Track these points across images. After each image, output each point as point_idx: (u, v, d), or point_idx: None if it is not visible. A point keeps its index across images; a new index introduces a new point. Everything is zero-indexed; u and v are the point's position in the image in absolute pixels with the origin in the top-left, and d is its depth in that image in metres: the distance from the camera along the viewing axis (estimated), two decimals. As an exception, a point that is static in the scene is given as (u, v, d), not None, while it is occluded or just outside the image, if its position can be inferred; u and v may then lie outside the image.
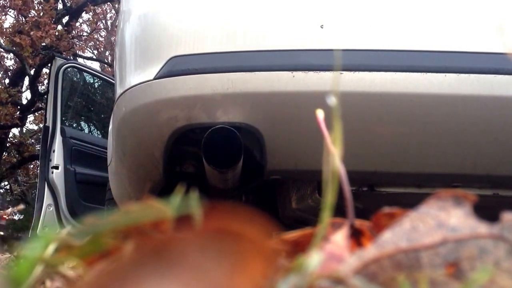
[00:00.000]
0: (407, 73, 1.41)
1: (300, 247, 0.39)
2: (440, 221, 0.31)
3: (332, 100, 0.41)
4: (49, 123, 4.29)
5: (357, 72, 1.40)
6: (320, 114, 0.42)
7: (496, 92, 1.40)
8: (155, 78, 1.48)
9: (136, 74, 1.54)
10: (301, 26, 1.46)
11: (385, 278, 0.30)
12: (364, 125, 1.44)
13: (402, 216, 0.32)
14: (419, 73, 1.40)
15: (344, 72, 1.40)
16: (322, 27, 1.45)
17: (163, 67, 1.48)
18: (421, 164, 1.50)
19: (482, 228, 0.30)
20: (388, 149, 1.48)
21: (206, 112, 1.45)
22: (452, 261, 0.29)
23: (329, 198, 0.33)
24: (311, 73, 1.41)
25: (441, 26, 1.47)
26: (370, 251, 0.30)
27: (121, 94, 1.59)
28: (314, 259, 0.29)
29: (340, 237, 0.33)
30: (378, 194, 1.66)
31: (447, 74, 1.40)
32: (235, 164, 1.43)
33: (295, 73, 1.42)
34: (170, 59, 1.48)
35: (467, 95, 1.40)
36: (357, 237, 0.38)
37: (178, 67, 1.47)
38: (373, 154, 1.49)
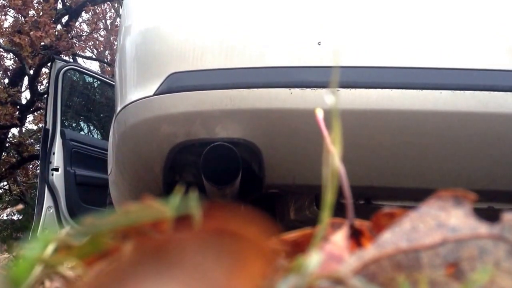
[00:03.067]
0: (403, 90, 1.43)
1: (299, 248, 0.39)
2: (440, 221, 0.31)
3: (330, 99, 0.41)
4: (49, 125, 4.29)
5: (353, 89, 1.43)
6: (319, 113, 0.42)
7: (490, 109, 1.42)
8: (155, 94, 1.51)
9: (136, 90, 1.56)
10: (298, 43, 1.49)
11: (385, 279, 0.30)
12: (360, 141, 1.46)
13: (402, 216, 0.32)
14: (415, 90, 1.43)
15: (341, 89, 1.42)
16: (319, 44, 1.47)
17: (162, 83, 1.50)
18: (417, 179, 1.53)
19: (482, 228, 0.30)
20: (385, 164, 1.51)
21: (205, 128, 1.48)
22: (452, 262, 0.29)
23: (329, 198, 0.33)
24: (308, 90, 1.43)
25: (436, 43, 1.49)
26: (370, 251, 0.30)
27: (121, 109, 1.62)
28: (313, 260, 0.29)
29: (339, 238, 0.33)
30: (375, 208, 1.68)
31: (442, 91, 1.42)
32: (233, 180, 1.46)
33: (292, 90, 1.44)
34: (170, 75, 1.50)
35: (462, 111, 1.43)
36: (356, 238, 0.38)
37: (177, 83, 1.49)
38: (370, 169, 1.51)
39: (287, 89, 1.44)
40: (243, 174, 1.47)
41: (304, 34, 1.49)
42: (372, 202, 1.68)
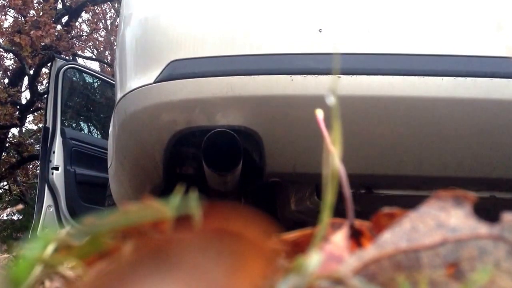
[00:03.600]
0: (404, 77, 1.42)
1: (299, 248, 0.39)
2: (440, 222, 0.31)
3: (331, 100, 0.41)
4: (49, 124, 4.29)
5: (355, 76, 1.42)
6: (319, 114, 0.42)
7: (492, 95, 1.42)
8: (155, 82, 1.50)
9: (136, 78, 1.55)
10: (299, 30, 1.48)
11: (385, 279, 0.30)
12: (361, 128, 1.46)
13: (402, 217, 0.32)
14: (416, 77, 1.42)
15: (342, 76, 1.41)
16: (320, 31, 1.46)
17: (163, 71, 1.50)
18: (418, 167, 1.51)
19: (482, 228, 0.30)
20: (386, 152, 1.50)
21: (206, 116, 1.47)
22: (452, 262, 0.29)
23: (328, 198, 0.33)
24: (309, 76, 1.42)
25: (438, 30, 1.48)
26: (370, 251, 0.30)
27: (121, 98, 1.61)
28: (313, 260, 0.29)
29: (339, 238, 0.33)
30: (376, 196, 1.67)
31: (444, 78, 1.41)
32: (234, 167, 1.44)
33: (293, 76, 1.43)
34: (170, 63, 1.50)
35: (464, 98, 1.42)
36: (356, 238, 0.38)
37: (178, 70, 1.49)
38: (371, 157, 1.50)
39: (287, 76, 1.43)
40: (244, 162, 1.46)
41: (305, 21, 1.49)
42: (373, 191, 1.67)
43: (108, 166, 2.14)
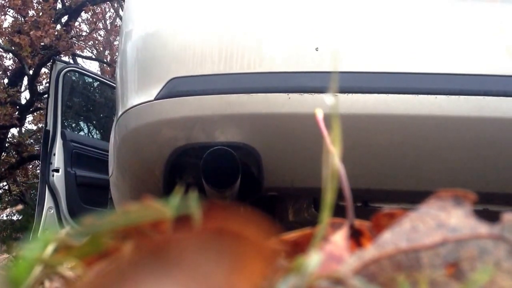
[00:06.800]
0: (399, 95, 1.46)
1: (299, 248, 0.39)
2: (440, 221, 0.31)
3: (330, 100, 0.41)
4: (50, 126, 4.29)
5: (350, 94, 1.45)
6: (319, 113, 0.42)
7: (485, 113, 1.45)
8: (155, 99, 1.53)
9: (137, 95, 1.59)
10: (296, 49, 1.51)
11: (385, 279, 0.29)
12: (358, 145, 1.49)
13: (402, 216, 0.32)
14: (410, 95, 1.45)
15: (338, 94, 1.44)
16: (317, 50, 1.49)
17: (163, 88, 1.53)
18: (413, 182, 1.55)
19: (482, 228, 0.30)
20: (381, 168, 1.54)
21: (205, 132, 1.50)
22: (452, 262, 0.29)
23: (328, 198, 0.33)
24: (306, 94, 1.45)
25: (431, 49, 1.52)
26: (370, 251, 0.30)
27: (122, 113, 1.64)
28: (313, 260, 0.29)
29: (339, 238, 0.33)
30: (372, 210, 1.70)
31: (437, 96, 1.45)
32: (232, 183, 1.48)
33: (290, 94, 1.46)
34: (170, 80, 1.53)
35: (457, 116, 1.45)
36: (356, 238, 0.38)
37: (177, 88, 1.52)
38: (367, 172, 1.54)
39: (285, 94, 1.46)
40: (243, 177, 1.50)
41: (302, 40, 1.52)
42: (369, 204, 1.72)
43: (109, 175, 2.18)
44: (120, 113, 1.67)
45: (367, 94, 1.45)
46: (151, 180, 1.64)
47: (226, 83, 1.49)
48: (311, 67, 1.48)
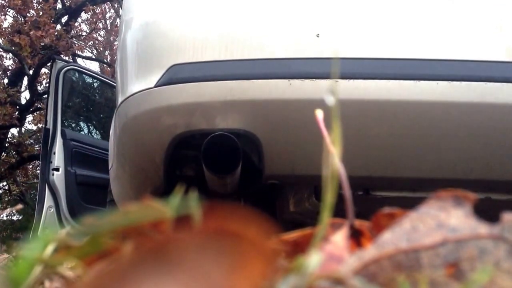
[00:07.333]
0: (401, 81, 1.45)
1: (299, 248, 0.39)
2: (440, 222, 0.31)
3: (330, 100, 0.41)
4: (50, 125, 4.29)
5: (352, 80, 1.44)
6: (319, 114, 0.42)
7: (486, 99, 1.44)
8: (155, 86, 1.52)
9: (137, 82, 1.58)
10: (297, 35, 1.51)
11: (385, 279, 0.30)
12: (359, 132, 1.48)
13: (402, 217, 0.32)
14: (412, 81, 1.45)
15: (340, 80, 1.43)
16: (318, 36, 1.49)
17: (163, 75, 1.52)
18: (415, 169, 1.54)
19: (482, 228, 0.30)
20: (383, 155, 1.53)
21: (206, 119, 1.50)
22: (452, 262, 0.29)
23: (328, 198, 0.33)
24: (307, 81, 1.45)
25: (433, 35, 1.51)
26: (370, 251, 0.30)
27: (122, 101, 1.63)
28: (313, 260, 0.29)
29: (339, 238, 0.33)
30: (373, 198, 1.69)
31: (439, 82, 1.44)
32: (234, 169, 1.47)
33: (292, 81, 1.45)
34: (171, 67, 1.52)
35: (459, 102, 1.45)
36: (356, 238, 0.38)
37: (178, 75, 1.51)
38: (368, 160, 1.53)
39: (286, 80, 1.46)
40: (243, 164, 1.49)
41: (303, 26, 1.52)
42: (370, 192, 1.70)
43: (109, 168, 2.17)
44: (120, 101, 1.66)
45: (368, 80, 1.45)
46: (151, 168, 1.62)
47: (227, 69, 1.49)
48: (312, 53, 1.48)
